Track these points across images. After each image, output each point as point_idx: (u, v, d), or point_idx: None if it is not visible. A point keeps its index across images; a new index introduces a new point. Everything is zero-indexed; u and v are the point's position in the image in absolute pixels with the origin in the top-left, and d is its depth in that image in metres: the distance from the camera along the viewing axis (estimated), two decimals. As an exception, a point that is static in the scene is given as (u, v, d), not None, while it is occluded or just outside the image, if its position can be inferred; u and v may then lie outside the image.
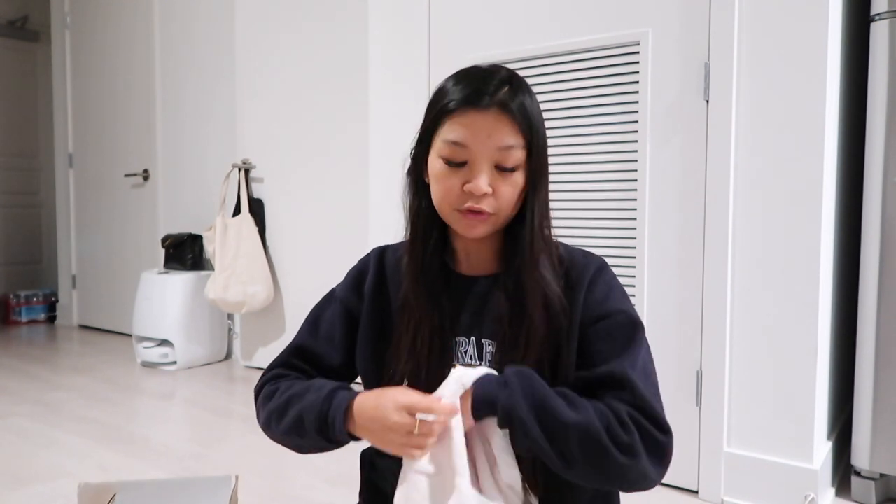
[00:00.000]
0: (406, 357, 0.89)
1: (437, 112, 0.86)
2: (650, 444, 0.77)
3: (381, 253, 1.00)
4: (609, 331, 0.85)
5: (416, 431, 0.78)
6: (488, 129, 0.83)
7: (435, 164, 0.87)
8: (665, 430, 0.78)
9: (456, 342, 0.91)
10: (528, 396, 0.78)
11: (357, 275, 0.99)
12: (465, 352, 0.91)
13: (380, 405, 0.81)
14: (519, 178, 0.86)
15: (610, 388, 0.81)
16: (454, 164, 0.85)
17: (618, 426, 0.76)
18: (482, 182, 0.83)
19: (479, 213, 0.85)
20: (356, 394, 0.85)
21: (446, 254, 0.94)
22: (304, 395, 0.88)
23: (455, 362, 0.91)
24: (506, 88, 0.84)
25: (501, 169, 0.84)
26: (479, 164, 0.84)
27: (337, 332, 0.97)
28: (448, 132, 0.84)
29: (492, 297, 0.90)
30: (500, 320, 0.88)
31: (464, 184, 0.84)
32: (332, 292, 1.02)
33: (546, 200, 0.90)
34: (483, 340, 0.91)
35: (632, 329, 0.86)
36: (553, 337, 0.87)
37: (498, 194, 0.85)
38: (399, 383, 0.89)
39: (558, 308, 0.87)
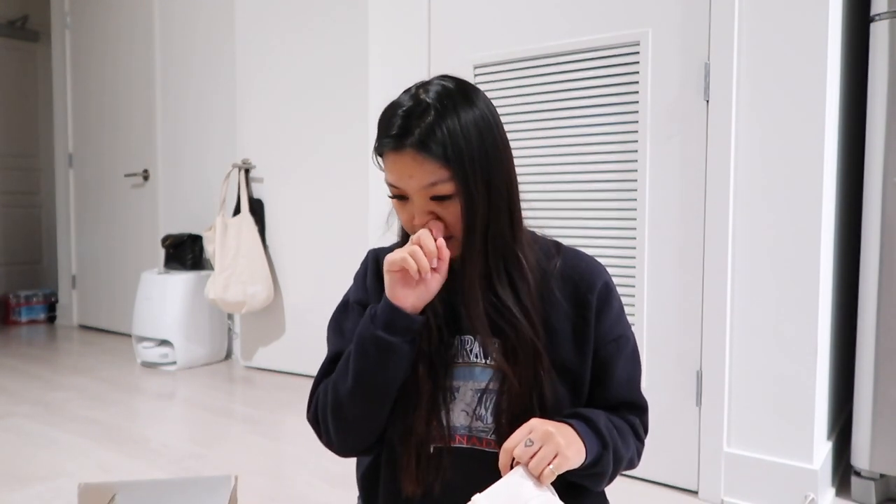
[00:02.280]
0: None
1: (375, 151, 0.88)
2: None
3: (376, 254, 1.01)
4: (624, 355, 0.94)
5: (412, 239, 0.85)
6: (408, 171, 0.84)
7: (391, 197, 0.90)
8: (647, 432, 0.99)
9: (462, 340, 0.92)
10: (615, 455, 0.88)
11: (360, 277, 1.01)
12: (471, 350, 0.91)
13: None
14: (456, 206, 0.86)
15: (630, 409, 0.95)
16: (398, 198, 0.88)
17: (637, 440, 0.94)
18: (417, 219, 0.86)
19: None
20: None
21: None
22: (349, 355, 0.90)
23: (458, 360, 0.91)
24: (423, 123, 0.83)
25: (436, 199, 0.86)
26: (414, 201, 0.86)
27: None
28: (385, 172, 0.87)
29: (493, 299, 0.90)
30: (501, 321, 0.89)
31: (412, 217, 0.87)
32: (345, 302, 1.02)
33: (506, 214, 0.88)
34: (488, 339, 0.91)
35: (637, 352, 0.97)
36: (554, 335, 0.89)
37: (444, 221, 0.87)
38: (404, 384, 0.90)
39: (559, 308, 0.89)
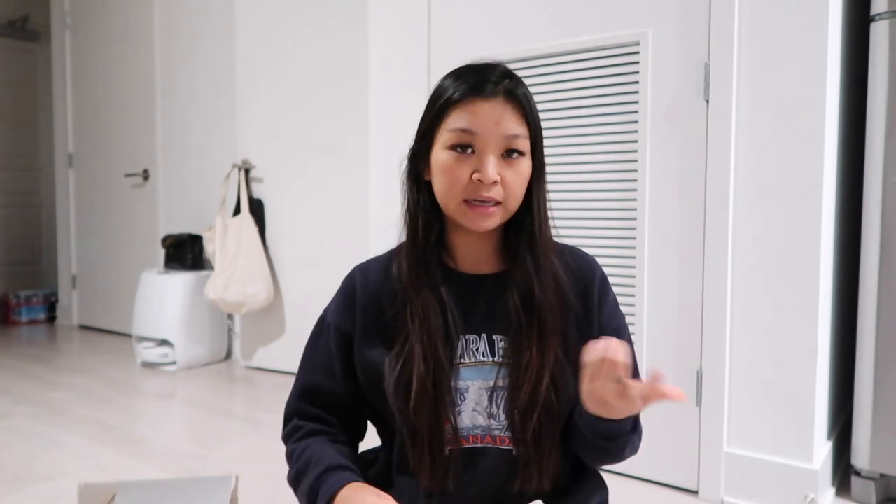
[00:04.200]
0: (419, 357, 0.87)
1: (441, 105, 0.87)
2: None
3: (365, 268, 0.98)
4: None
5: None
6: (496, 117, 0.84)
7: (440, 156, 0.87)
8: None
9: (466, 340, 0.91)
10: (630, 441, 0.89)
11: (345, 295, 0.96)
12: (477, 349, 0.91)
13: (356, 502, 0.82)
14: (525, 167, 0.88)
15: None
16: (461, 149, 0.85)
17: (637, 426, 0.92)
18: (491, 169, 0.84)
19: (487, 204, 0.85)
20: (344, 483, 0.85)
21: (444, 253, 0.94)
22: (307, 471, 0.89)
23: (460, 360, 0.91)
24: (509, 79, 0.87)
25: (508, 157, 0.86)
26: (486, 152, 0.85)
27: (335, 361, 0.94)
28: (454, 121, 0.85)
29: (504, 294, 0.90)
30: (515, 315, 0.89)
31: (472, 173, 0.85)
32: (322, 320, 0.98)
33: (546, 194, 0.93)
34: (494, 336, 0.91)
35: (631, 340, 0.95)
36: (564, 326, 0.90)
37: (505, 183, 0.86)
38: (407, 386, 0.87)
39: (569, 296, 0.91)
